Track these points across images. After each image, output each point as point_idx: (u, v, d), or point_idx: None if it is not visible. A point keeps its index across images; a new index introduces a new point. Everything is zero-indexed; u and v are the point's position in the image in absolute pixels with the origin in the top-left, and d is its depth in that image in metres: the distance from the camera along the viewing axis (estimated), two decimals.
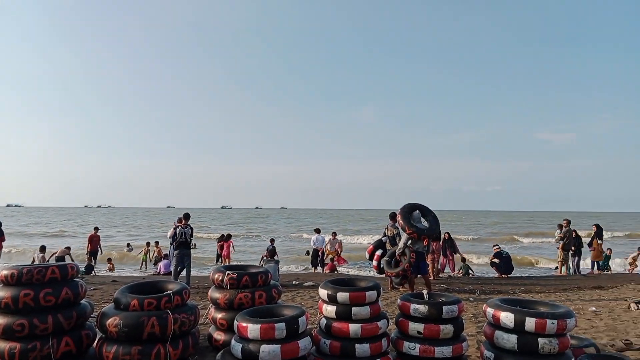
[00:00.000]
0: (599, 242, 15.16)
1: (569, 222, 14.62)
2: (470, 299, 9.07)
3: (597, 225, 15.62)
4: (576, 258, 14.71)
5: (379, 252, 10.47)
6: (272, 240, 16.95)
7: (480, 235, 41.98)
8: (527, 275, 15.20)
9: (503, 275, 13.91)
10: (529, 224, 67.87)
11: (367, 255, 11.24)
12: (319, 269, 16.48)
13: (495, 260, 14.25)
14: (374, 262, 10.63)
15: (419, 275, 9.34)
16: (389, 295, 9.17)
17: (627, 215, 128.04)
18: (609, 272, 15.80)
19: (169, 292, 4.59)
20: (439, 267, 13.63)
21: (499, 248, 15.06)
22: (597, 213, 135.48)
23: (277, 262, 12.11)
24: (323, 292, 4.56)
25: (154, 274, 15.87)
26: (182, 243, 10.87)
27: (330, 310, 4.45)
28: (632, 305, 7.91)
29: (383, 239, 10.80)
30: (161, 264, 16.07)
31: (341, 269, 17.19)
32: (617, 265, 18.00)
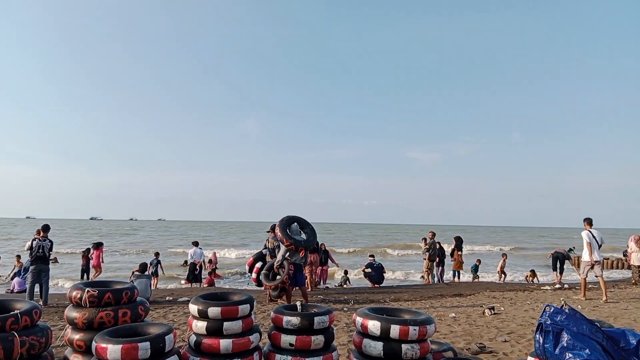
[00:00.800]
0: (459, 252, 16.55)
1: (433, 234, 15.85)
2: (345, 308, 9.34)
3: (458, 238, 17.06)
4: (440, 268, 15.94)
5: (258, 265, 10.39)
6: (156, 254, 16.24)
7: (357, 247, 43.77)
8: (397, 284, 16.10)
9: (375, 285, 14.59)
10: (402, 235, 72.33)
11: (247, 268, 11.12)
12: (197, 284, 15.95)
13: (368, 270, 14.91)
14: (254, 275, 10.53)
15: (296, 287, 9.43)
16: (266, 308, 9.12)
17: (485, 228, 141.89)
18: (478, 280, 17.36)
19: (15, 312, 4.09)
20: (317, 278, 13.91)
21: (374, 259, 15.82)
22: (461, 226, 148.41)
23: (149, 277, 11.48)
24: (193, 308, 4.37)
25: (6, 292, 14.13)
26: (40, 257, 9.89)
27: (200, 326, 4.28)
28: (487, 311, 8.71)
29: (264, 251, 10.75)
30: (14, 281, 14.39)
31: (219, 283, 16.81)
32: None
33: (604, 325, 4.58)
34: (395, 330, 4.20)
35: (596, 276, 10.98)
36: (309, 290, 12.31)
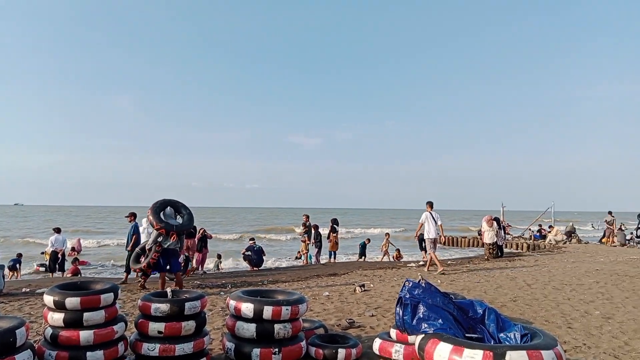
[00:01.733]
0: (334, 234, 17.23)
1: (307, 217, 16.39)
2: (221, 293, 9.25)
3: (334, 220, 17.70)
4: (316, 249, 16.47)
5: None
6: (19, 255, 15.14)
7: (239, 231, 43.49)
8: (275, 266, 16.32)
9: (255, 268, 14.64)
10: (285, 219, 73.26)
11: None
12: (59, 274, 14.71)
13: (248, 253, 14.91)
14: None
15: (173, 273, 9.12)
16: (137, 297, 8.69)
17: (367, 211, 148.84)
18: (364, 259, 18.51)
19: None
20: (194, 264, 13.59)
21: (254, 242, 15.87)
22: (342, 209, 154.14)
23: (2, 267, 10.33)
24: (49, 299, 4.03)
25: None
26: None
27: (57, 318, 3.96)
28: (357, 288, 9.19)
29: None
30: None
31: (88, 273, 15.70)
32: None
33: (457, 297, 5.08)
34: (268, 311, 4.26)
35: (430, 252, 12.53)
36: (186, 276, 12.00)
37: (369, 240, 20.16)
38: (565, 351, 5.17)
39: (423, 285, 4.27)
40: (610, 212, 24.20)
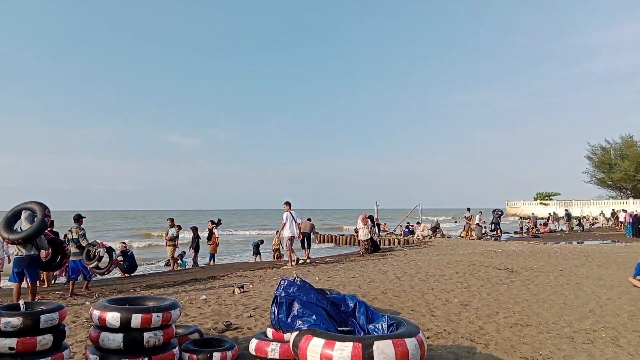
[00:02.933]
0: (217, 235, 16.90)
1: (172, 220, 15.99)
2: (86, 303, 8.57)
3: (213, 221, 17.35)
4: (194, 252, 16.02)
5: None
6: None
7: (115, 236, 40.69)
8: (150, 272, 15.54)
9: (126, 275, 13.79)
10: (158, 223, 69.95)
11: None
12: None
13: (120, 258, 14.01)
14: None
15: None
16: None
17: (249, 212, 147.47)
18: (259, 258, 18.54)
19: None
20: (56, 272, 12.41)
21: (125, 246, 14.95)
22: (224, 211, 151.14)
23: None
24: None
25: None
26: None
27: None
28: (236, 290, 9.09)
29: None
30: None
31: None
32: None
33: (333, 293, 5.26)
34: (137, 320, 4.05)
35: (286, 249, 13.56)
36: (46, 286, 10.97)
37: (262, 241, 20.16)
38: (428, 337, 5.61)
39: (298, 283, 4.35)
40: (468, 209, 26.77)
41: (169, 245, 15.89)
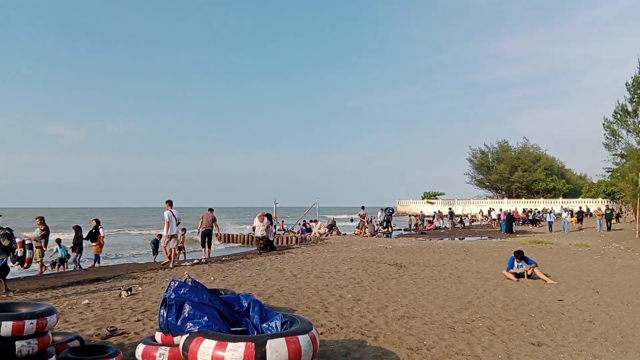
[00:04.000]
0: (102, 235, 15.84)
1: (42, 219, 14.49)
2: None
3: (96, 220, 16.25)
4: (77, 253, 14.88)
5: None
6: None
7: None
8: (24, 275, 14.15)
9: None
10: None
11: None
12: None
13: None
14: None
15: None
16: None
17: (141, 210, 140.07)
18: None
19: None
20: None
21: None
22: (114, 209, 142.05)
23: None
24: None
25: None
26: None
27: None
28: (123, 292, 8.57)
29: None
30: None
31: None
32: None
33: (227, 293, 5.14)
34: (7, 327, 3.69)
35: (166, 248, 13.40)
36: None
37: (160, 235, 19.03)
38: (321, 333, 5.71)
39: (189, 283, 4.19)
40: (363, 207, 27.76)
41: (36, 247, 14.39)
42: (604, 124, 33.06)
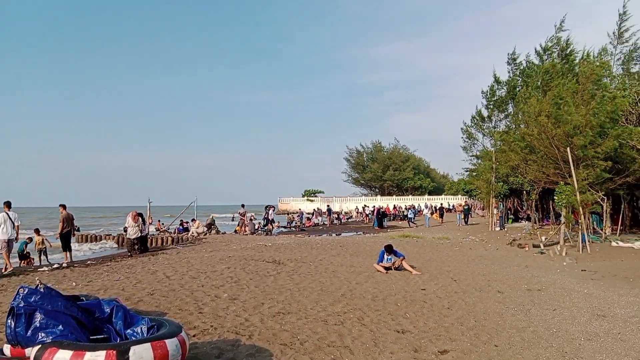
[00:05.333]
0: None
1: None
2: None
3: None
4: None
5: None
6: None
7: None
8: None
9: None
10: None
11: None
12: None
13: None
14: None
15: None
16: None
17: None
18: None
19: None
20: None
21: None
22: None
23: None
24: None
25: None
26: None
27: None
28: None
29: None
30: None
31: None
32: None
33: (90, 298, 4.75)
34: None
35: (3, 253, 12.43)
36: None
37: (30, 239, 16.96)
38: (193, 335, 5.54)
39: (42, 290, 3.80)
40: (243, 205, 27.53)
41: None
42: (462, 128, 36.44)
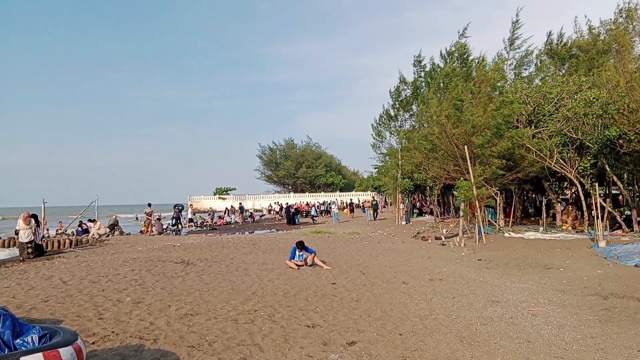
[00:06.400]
0: None
1: None
2: None
3: None
4: None
5: None
6: None
7: None
8: None
9: None
10: None
11: None
12: None
13: None
14: None
15: None
16: None
17: None
18: None
19: None
20: None
21: None
22: None
23: None
24: None
25: None
26: None
27: None
28: None
29: None
30: None
31: None
32: None
33: None
34: None
35: None
36: None
37: None
38: (93, 342, 5.22)
39: None
40: (149, 204, 26.38)
41: None
42: (372, 125, 37.63)
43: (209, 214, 36.58)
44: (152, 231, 25.34)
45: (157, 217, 26.80)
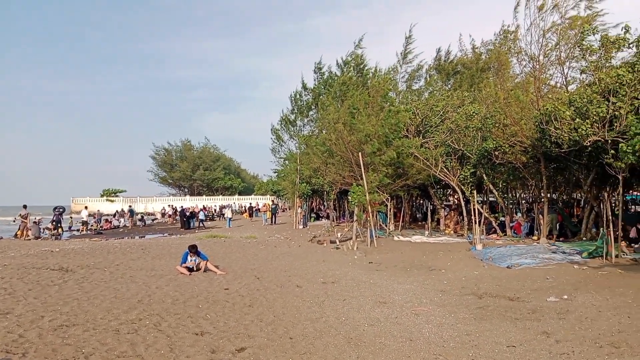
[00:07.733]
0: None
1: None
2: None
3: None
4: None
5: None
6: None
7: None
8: None
9: None
10: None
11: None
12: None
13: None
14: None
15: None
16: None
17: None
18: None
19: None
20: None
21: None
22: None
23: None
24: None
25: None
26: None
27: None
28: None
29: None
30: None
31: None
32: None
33: None
34: None
35: None
36: None
37: None
38: None
39: None
40: (25, 206, 24.06)
41: None
42: (272, 129, 37.60)
43: (95, 217, 34.17)
44: (28, 235, 23.11)
45: (34, 220, 24.52)
